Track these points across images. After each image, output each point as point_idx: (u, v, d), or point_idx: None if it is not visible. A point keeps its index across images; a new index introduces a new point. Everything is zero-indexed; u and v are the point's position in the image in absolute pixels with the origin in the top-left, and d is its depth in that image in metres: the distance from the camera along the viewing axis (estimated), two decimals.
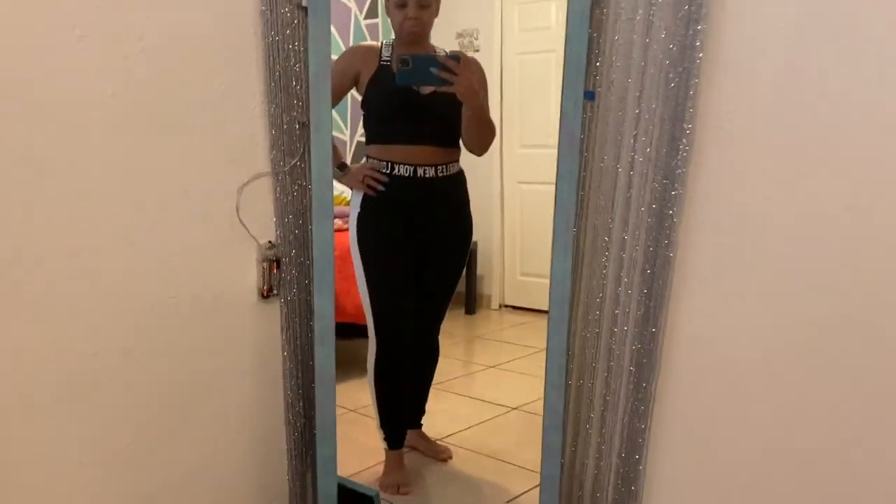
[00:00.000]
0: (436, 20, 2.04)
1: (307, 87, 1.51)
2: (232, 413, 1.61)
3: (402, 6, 1.93)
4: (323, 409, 1.63)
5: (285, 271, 1.61)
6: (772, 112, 1.35)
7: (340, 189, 3.36)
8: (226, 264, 1.55)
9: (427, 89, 1.96)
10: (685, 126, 1.41)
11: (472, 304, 4.67)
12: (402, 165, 1.97)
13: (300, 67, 1.51)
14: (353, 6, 4.20)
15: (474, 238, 2.27)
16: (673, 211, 1.46)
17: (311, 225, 1.58)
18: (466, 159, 2.18)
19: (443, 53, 1.96)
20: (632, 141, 1.49)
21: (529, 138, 4.45)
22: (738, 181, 1.41)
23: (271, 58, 1.49)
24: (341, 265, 2.68)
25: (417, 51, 1.95)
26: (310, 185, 1.57)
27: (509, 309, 4.84)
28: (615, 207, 1.54)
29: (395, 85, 1.84)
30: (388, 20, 2.02)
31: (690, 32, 1.37)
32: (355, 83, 2.04)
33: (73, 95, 1.30)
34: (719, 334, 1.47)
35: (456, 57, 1.75)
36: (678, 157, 1.44)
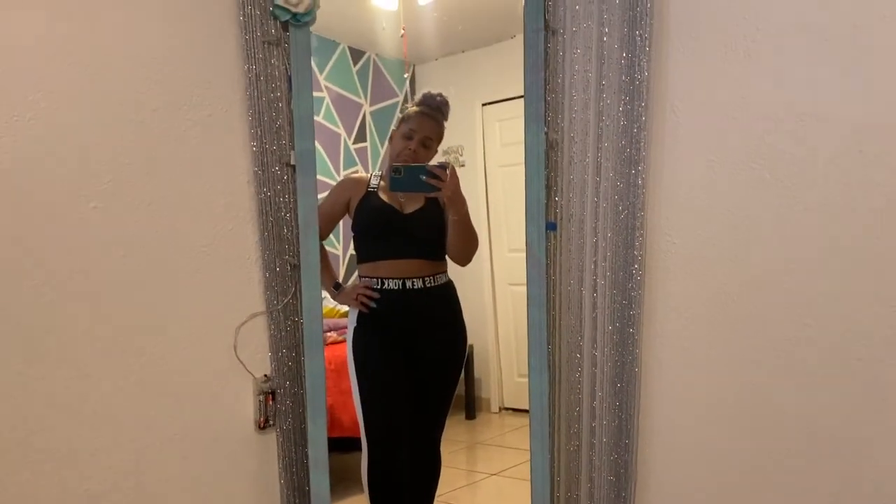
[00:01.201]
0: None
1: (297, 232, 1.67)
2: None
3: (409, 138, 2.10)
4: None
5: (280, 402, 1.72)
6: (709, 236, 1.51)
7: (334, 302, 3.50)
8: (224, 399, 1.66)
9: (410, 209, 2.13)
10: (636, 253, 1.57)
11: (471, 408, 4.69)
12: (390, 280, 2.08)
13: (290, 216, 1.69)
14: (342, 132, 4.46)
15: (470, 342, 2.34)
16: (633, 329, 1.60)
17: (303, 357, 1.71)
18: (458, 271, 2.30)
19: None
20: (592, 266, 1.65)
21: (516, 243, 4.63)
22: (687, 298, 1.55)
23: (264, 211, 1.67)
24: (337, 379, 2.76)
25: None
26: (302, 319, 1.70)
27: (509, 411, 4.86)
28: (583, 327, 1.68)
29: (382, 207, 2.00)
30: (390, 147, 2.20)
31: (633, 172, 1.55)
32: (347, 210, 2.20)
33: (85, 260, 1.46)
34: (687, 440, 1.58)
35: (443, 165, 1.91)
36: (633, 280, 1.59)
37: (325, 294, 1.93)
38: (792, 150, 1.40)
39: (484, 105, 4.91)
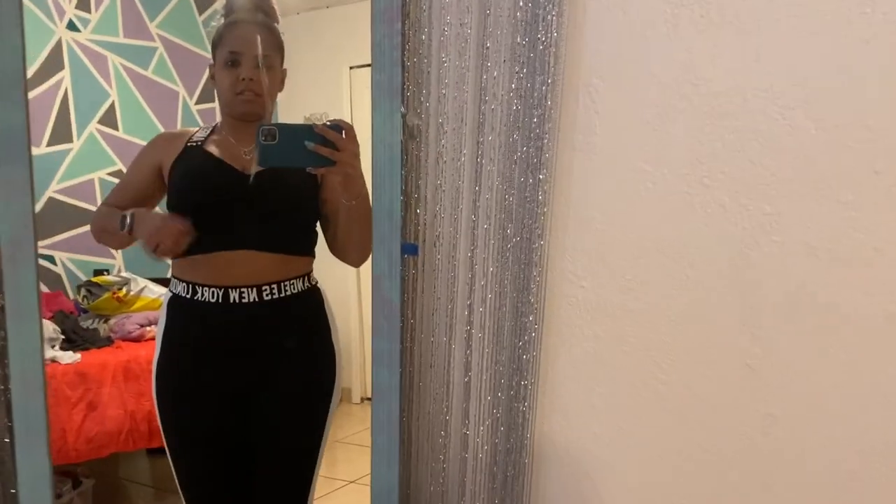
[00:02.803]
0: (281, 102, 1.43)
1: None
2: None
3: (233, 65, 1.37)
4: None
5: None
6: (635, 279, 1.04)
7: (158, 292, 2.82)
8: None
9: (256, 167, 1.34)
10: (531, 299, 1.07)
11: None
12: (206, 288, 1.36)
13: None
14: (181, 89, 3.72)
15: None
16: (526, 405, 1.11)
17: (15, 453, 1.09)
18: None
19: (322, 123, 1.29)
20: (466, 313, 1.14)
21: None
22: (600, 366, 1.08)
23: None
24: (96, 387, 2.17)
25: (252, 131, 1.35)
26: (9, 392, 1.08)
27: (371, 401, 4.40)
28: (450, 396, 1.17)
29: (205, 165, 1.35)
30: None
31: (531, 181, 1.04)
32: (161, 180, 1.46)
33: None
34: None
35: (338, 127, 1.21)
36: (525, 338, 1.09)
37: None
38: (761, 155, 0.94)
39: (352, 68, 4.38)
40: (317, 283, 1.46)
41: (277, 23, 1.44)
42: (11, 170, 1.01)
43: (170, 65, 3.67)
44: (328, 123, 1.20)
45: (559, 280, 1.08)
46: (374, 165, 1.12)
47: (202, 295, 1.36)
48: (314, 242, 1.46)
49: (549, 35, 1.00)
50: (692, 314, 1.00)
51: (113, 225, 1.36)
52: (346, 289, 4.30)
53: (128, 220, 1.33)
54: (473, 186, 1.09)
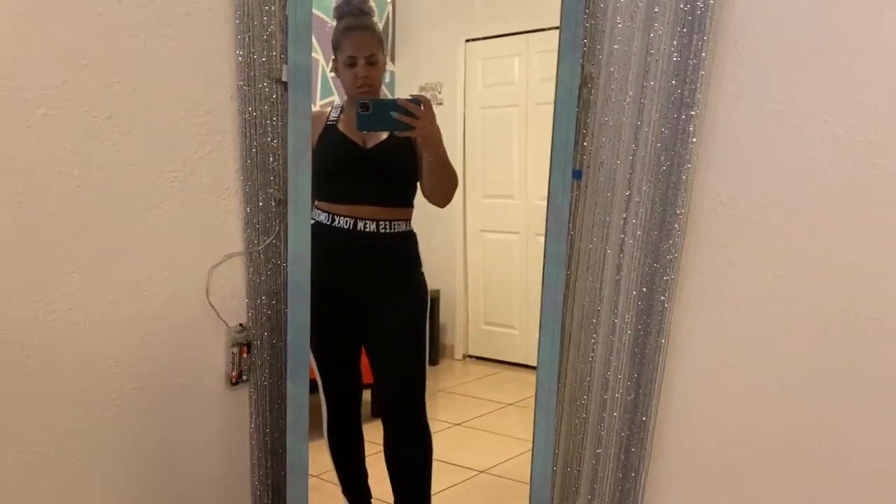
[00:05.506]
0: (400, 74, 1.99)
1: (285, 163, 1.43)
2: None
3: (352, 65, 1.86)
4: (296, 501, 1.52)
5: (256, 355, 1.51)
6: (764, 197, 1.33)
7: None
8: (193, 350, 1.44)
9: (373, 142, 1.90)
10: (678, 211, 1.38)
11: (434, 354, 4.57)
12: (342, 218, 1.88)
13: (277, 143, 1.44)
14: (321, 57, 4.14)
15: (437, 287, 2.14)
16: (665, 297, 1.42)
17: (284, 306, 1.49)
18: (429, 210, 2.12)
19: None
20: (622, 223, 1.45)
21: (492, 189, 4.45)
22: (730, 267, 1.38)
23: (248, 133, 1.41)
24: None
25: None
26: (285, 263, 1.48)
27: (473, 359, 4.76)
28: (603, 289, 1.49)
29: (341, 142, 1.80)
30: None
31: (683, 117, 1.35)
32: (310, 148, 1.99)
33: (37, 175, 1.20)
34: (712, 422, 1.43)
35: (417, 100, 1.69)
36: (670, 242, 1.40)
37: None
38: (878, 105, 1.21)
39: (467, 41, 4.65)
40: (413, 229, 2.01)
41: (374, 16, 1.94)
42: (298, 100, 1.40)
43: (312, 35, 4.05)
44: (410, 98, 1.70)
45: (701, 197, 1.38)
46: (555, 105, 1.45)
47: (338, 223, 1.87)
48: (413, 196, 1.98)
49: (707, 2, 1.30)
50: (811, 224, 1.29)
51: None
52: (454, 264, 4.60)
53: None
54: (635, 122, 1.40)
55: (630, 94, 1.40)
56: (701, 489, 1.45)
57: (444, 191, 1.94)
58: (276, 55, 1.43)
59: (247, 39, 1.39)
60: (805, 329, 1.32)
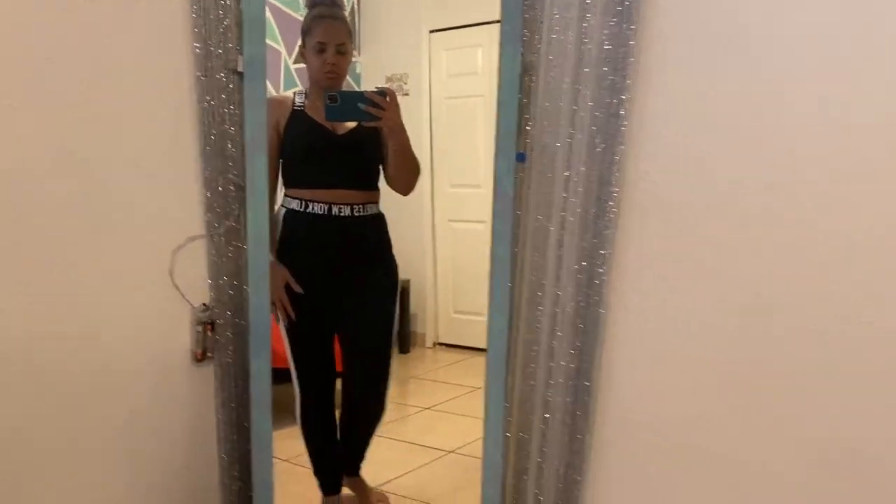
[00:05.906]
0: (366, 64, 2.08)
1: (243, 149, 1.51)
2: (162, 479, 1.56)
3: (321, 52, 1.95)
4: (260, 472, 1.60)
5: (220, 334, 1.59)
6: (690, 176, 1.44)
7: None
8: (159, 328, 1.52)
9: (342, 129, 2.00)
10: (611, 189, 1.49)
11: (405, 342, 4.67)
12: (316, 203, 1.98)
13: (235, 130, 1.52)
14: (283, 49, 4.19)
15: (407, 276, 2.26)
16: (603, 269, 1.53)
17: (246, 286, 1.57)
18: (398, 200, 2.21)
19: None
20: (562, 201, 1.55)
21: (459, 178, 4.54)
22: (662, 241, 1.48)
23: (206, 122, 1.49)
24: None
25: None
26: (245, 246, 1.56)
27: (443, 347, 4.86)
28: (548, 264, 1.60)
29: (311, 128, 1.88)
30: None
31: (615, 101, 1.45)
32: (277, 134, 2.04)
33: (2, 163, 1.26)
34: (651, 386, 1.54)
35: (382, 92, 1.80)
36: (606, 218, 1.50)
37: None
38: (794, 93, 1.32)
39: (431, 32, 4.73)
40: (381, 211, 2.13)
41: (345, 10, 2.05)
42: (253, 89, 1.47)
43: (274, 25, 4.11)
44: (376, 89, 1.81)
45: (633, 177, 1.48)
46: (499, 93, 1.55)
47: (312, 209, 1.98)
48: (378, 180, 2.10)
49: None
50: (734, 202, 1.40)
51: None
52: (423, 253, 4.68)
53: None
54: (571, 107, 1.50)
55: (567, 80, 1.50)
56: (643, 449, 1.56)
57: (406, 178, 2.05)
58: (231, 47, 1.50)
59: (203, 32, 1.47)
60: (731, 299, 1.43)
